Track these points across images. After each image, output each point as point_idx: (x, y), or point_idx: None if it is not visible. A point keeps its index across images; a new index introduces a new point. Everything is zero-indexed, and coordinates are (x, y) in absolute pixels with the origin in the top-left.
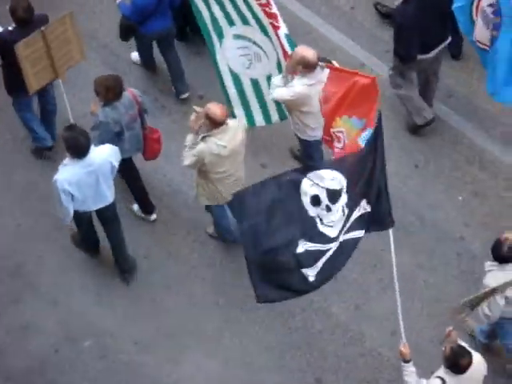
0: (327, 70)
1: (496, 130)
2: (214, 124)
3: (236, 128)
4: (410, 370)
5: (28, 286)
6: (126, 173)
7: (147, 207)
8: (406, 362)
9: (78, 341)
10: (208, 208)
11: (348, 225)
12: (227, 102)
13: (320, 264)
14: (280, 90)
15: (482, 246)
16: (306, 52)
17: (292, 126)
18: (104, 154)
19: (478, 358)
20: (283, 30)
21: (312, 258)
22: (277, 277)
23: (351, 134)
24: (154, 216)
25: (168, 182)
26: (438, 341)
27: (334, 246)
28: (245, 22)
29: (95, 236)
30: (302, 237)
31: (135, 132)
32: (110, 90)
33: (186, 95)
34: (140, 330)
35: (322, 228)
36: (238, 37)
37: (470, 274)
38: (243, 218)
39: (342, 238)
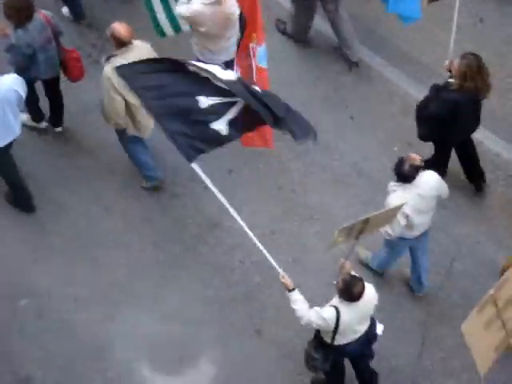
0: None
1: (431, 81)
2: (120, 44)
3: (142, 47)
4: (295, 299)
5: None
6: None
7: (58, 121)
8: (290, 291)
9: (15, 300)
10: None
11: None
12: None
13: (228, 116)
14: (181, 7)
15: None
16: None
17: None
18: (8, 83)
19: (369, 288)
20: None
21: (217, 111)
22: (195, 134)
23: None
24: (59, 129)
25: (104, 136)
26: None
27: (238, 100)
28: None
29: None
30: (199, 94)
31: (50, 54)
32: (21, 12)
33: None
34: (77, 289)
35: (216, 82)
36: None
37: None
38: (137, 86)
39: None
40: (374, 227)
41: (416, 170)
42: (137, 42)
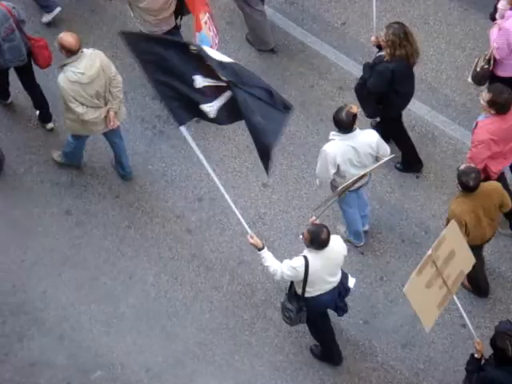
0: None
1: None
2: (69, 52)
3: (92, 55)
4: (266, 256)
5: (33, 322)
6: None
7: (46, 116)
8: (260, 250)
9: (89, 372)
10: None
11: (244, 79)
12: None
13: (218, 102)
14: None
15: (491, 250)
16: None
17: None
18: None
19: (336, 239)
20: None
21: (209, 93)
22: (186, 106)
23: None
24: (50, 125)
25: (170, 207)
26: (451, 351)
27: (232, 89)
28: None
29: None
30: (197, 73)
31: (15, 43)
32: None
33: None
34: (150, 358)
35: (214, 66)
36: None
37: None
38: (139, 53)
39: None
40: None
41: (352, 118)
42: (88, 51)
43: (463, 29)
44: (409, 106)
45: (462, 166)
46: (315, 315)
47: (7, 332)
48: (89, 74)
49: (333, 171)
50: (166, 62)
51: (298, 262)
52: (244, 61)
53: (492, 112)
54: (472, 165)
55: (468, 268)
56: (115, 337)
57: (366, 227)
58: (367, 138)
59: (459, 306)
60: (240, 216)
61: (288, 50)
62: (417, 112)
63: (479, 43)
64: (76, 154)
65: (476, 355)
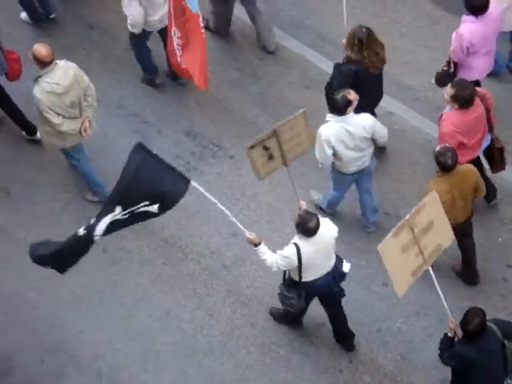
0: None
1: None
2: (42, 64)
3: (66, 66)
4: (263, 250)
5: (70, 360)
6: None
7: (28, 128)
8: (257, 245)
9: None
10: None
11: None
12: None
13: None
14: None
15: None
16: None
17: None
18: None
19: (327, 222)
20: None
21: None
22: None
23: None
24: (38, 136)
25: (205, 243)
26: None
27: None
28: None
29: None
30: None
31: None
32: None
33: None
34: None
35: None
36: None
37: None
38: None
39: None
40: (291, 149)
41: (347, 102)
42: (61, 62)
43: None
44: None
45: (438, 148)
46: (310, 299)
47: (45, 371)
48: (63, 84)
49: (330, 152)
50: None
51: (289, 251)
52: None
53: (456, 106)
54: (447, 144)
55: (446, 243)
56: (152, 374)
57: (372, 229)
58: (361, 120)
59: (435, 281)
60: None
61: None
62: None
63: None
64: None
65: (449, 334)
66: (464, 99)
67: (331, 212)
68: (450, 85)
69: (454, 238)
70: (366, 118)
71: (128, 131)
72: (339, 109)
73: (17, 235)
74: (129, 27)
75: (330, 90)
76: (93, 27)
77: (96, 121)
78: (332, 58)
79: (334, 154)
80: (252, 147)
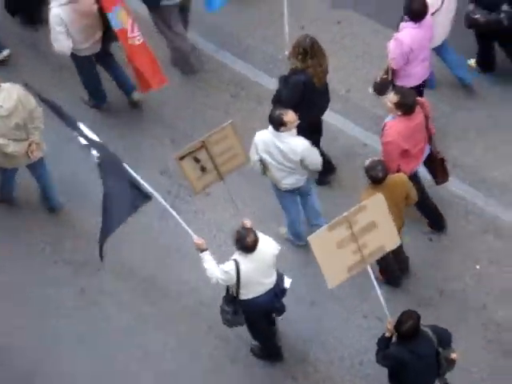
0: None
1: (506, 197)
2: None
3: (10, 88)
4: (207, 258)
5: None
6: None
7: None
8: (203, 251)
9: None
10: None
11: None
12: None
13: None
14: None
15: (505, 313)
16: None
17: None
18: None
19: (267, 240)
20: None
21: None
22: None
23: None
24: None
25: (185, 281)
26: None
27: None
28: None
29: None
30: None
31: None
32: None
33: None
34: None
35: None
36: None
37: (497, 344)
38: None
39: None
40: (225, 162)
41: (280, 122)
42: (6, 85)
43: None
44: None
45: (367, 162)
46: (254, 317)
47: None
48: (7, 106)
49: (256, 157)
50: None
51: (229, 266)
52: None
53: (399, 113)
54: (375, 158)
55: (391, 246)
56: None
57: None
58: (294, 143)
59: (373, 279)
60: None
61: None
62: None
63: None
64: (6, 187)
65: (386, 334)
66: (408, 105)
67: (299, 240)
68: (392, 92)
69: (399, 242)
70: (299, 142)
71: None
72: (273, 124)
73: None
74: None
75: (278, 103)
76: (62, 69)
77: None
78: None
79: (264, 165)
80: (181, 158)
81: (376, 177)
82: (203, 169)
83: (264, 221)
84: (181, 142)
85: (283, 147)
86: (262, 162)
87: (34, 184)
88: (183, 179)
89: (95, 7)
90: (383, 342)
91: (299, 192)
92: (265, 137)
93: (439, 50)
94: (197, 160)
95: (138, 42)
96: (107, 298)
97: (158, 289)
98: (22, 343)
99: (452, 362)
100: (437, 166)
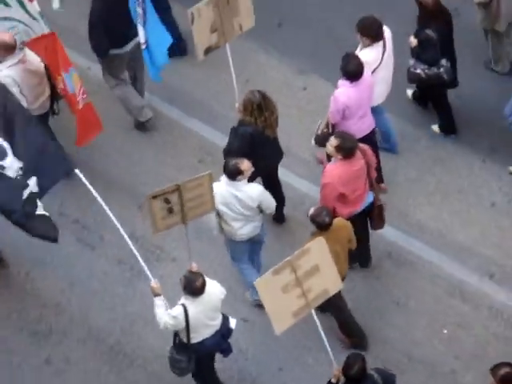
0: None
1: (472, 261)
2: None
3: None
4: (159, 304)
5: None
6: None
7: None
8: (157, 295)
9: None
10: None
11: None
12: None
13: None
14: None
15: (474, 377)
16: (3, 36)
17: None
18: None
19: (213, 284)
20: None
21: None
22: None
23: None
24: None
25: (151, 347)
26: None
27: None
28: (5, 3)
29: None
30: None
31: None
32: None
33: None
34: None
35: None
36: (4, 19)
37: None
38: None
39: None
40: (193, 208)
41: (237, 171)
42: None
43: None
44: (382, 232)
45: (311, 211)
46: (204, 360)
47: None
48: None
49: (216, 220)
50: None
51: (176, 311)
52: None
53: (339, 157)
54: (319, 205)
55: (334, 289)
56: None
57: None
58: (250, 190)
59: (318, 324)
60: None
61: None
62: (391, 239)
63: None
64: None
65: (333, 380)
66: (347, 148)
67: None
68: (333, 136)
69: (341, 285)
70: (254, 189)
71: (71, 240)
72: (229, 174)
73: None
74: None
75: (229, 153)
76: None
77: None
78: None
79: (221, 217)
80: (154, 197)
81: (323, 223)
82: (171, 210)
83: (231, 287)
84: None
85: (241, 196)
86: (218, 215)
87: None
88: (150, 244)
89: (42, 65)
90: None
91: (253, 241)
92: (221, 189)
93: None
94: (167, 201)
95: (82, 104)
96: (72, 367)
97: (125, 357)
98: None
99: None
100: (374, 212)
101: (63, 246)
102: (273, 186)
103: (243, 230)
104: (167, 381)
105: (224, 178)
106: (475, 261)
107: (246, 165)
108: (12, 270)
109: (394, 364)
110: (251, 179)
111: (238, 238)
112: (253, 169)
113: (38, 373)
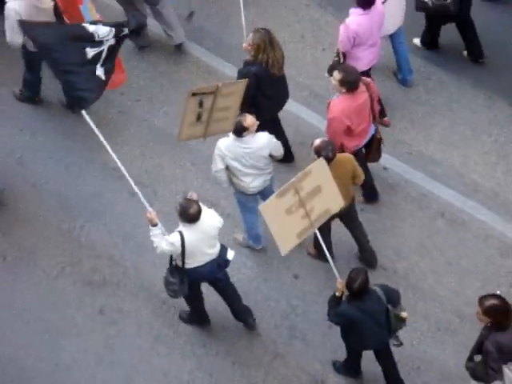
0: None
1: None
2: None
3: None
4: (156, 232)
5: None
6: None
7: None
8: (154, 225)
9: None
10: None
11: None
12: None
13: (101, 62)
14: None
15: None
16: None
17: None
18: None
19: (211, 213)
20: None
21: (97, 59)
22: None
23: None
24: None
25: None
26: None
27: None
28: None
29: None
30: (86, 46)
31: None
32: None
33: None
34: None
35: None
36: None
37: None
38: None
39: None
40: (216, 121)
41: (241, 128)
42: None
43: (488, 116)
44: (437, 192)
45: (317, 142)
46: (195, 285)
47: None
48: None
49: (222, 166)
50: (60, 47)
51: (174, 238)
52: None
53: (343, 91)
54: (325, 138)
55: (334, 209)
56: None
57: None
58: (258, 141)
59: (323, 245)
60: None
61: None
62: (446, 198)
63: (505, 129)
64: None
65: (337, 293)
66: (351, 82)
67: (258, 244)
68: (336, 70)
69: (343, 204)
70: (261, 138)
71: (124, 195)
72: (235, 132)
73: (15, 305)
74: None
75: None
76: None
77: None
78: (322, 113)
79: (231, 172)
80: (193, 94)
81: (326, 157)
82: (199, 116)
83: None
84: (198, 162)
85: (250, 150)
86: (228, 169)
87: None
88: (204, 200)
89: (52, 4)
90: (334, 301)
91: (263, 193)
92: (231, 146)
93: (392, 39)
94: (201, 104)
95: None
96: (125, 318)
97: (176, 311)
98: (39, 369)
99: (402, 320)
100: (374, 145)
101: (117, 202)
102: (278, 127)
103: (254, 183)
104: (219, 336)
105: (231, 135)
106: None
107: (249, 121)
108: (66, 224)
109: (446, 324)
110: (260, 125)
111: (249, 191)
112: (257, 123)
113: (93, 323)
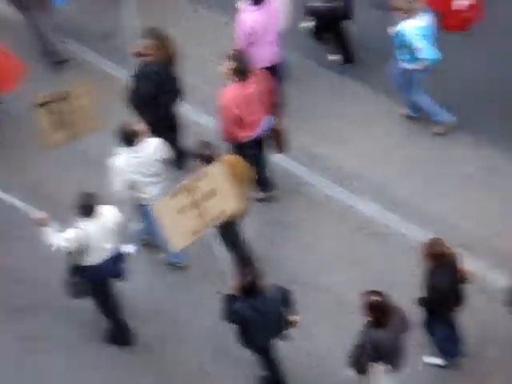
0: None
1: None
2: None
3: None
4: (47, 231)
5: None
6: None
7: None
8: (43, 226)
9: None
10: None
11: None
12: None
13: None
14: None
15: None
16: None
17: None
18: None
19: (110, 209)
20: None
21: None
22: None
23: None
24: None
25: None
26: None
27: None
28: None
29: None
30: None
31: None
32: None
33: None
34: None
35: None
36: None
37: None
38: None
39: None
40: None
41: (132, 134)
42: None
43: None
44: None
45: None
46: (98, 285)
47: None
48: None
49: (123, 183)
50: None
51: (70, 234)
52: None
53: (235, 79)
54: (204, 139)
55: (231, 209)
56: None
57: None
58: (150, 148)
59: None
60: None
61: None
62: (365, 211)
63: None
64: None
65: (230, 292)
66: (242, 71)
67: (181, 261)
68: (228, 59)
69: (238, 204)
70: (151, 144)
71: None
72: (126, 141)
73: None
74: None
75: (135, 99)
76: None
77: None
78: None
79: (132, 187)
80: (41, 105)
81: (204, 156)
82: (60, 123)
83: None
84: None
85: (145, 157)
86: (130, 185)
87: None
88: None
89: None
90: (227, 300)
91: None
92: (125, 159)
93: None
94: (53, 112)
95: None
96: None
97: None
98: None
99: (290, 323)
100: (273, 136)
101: None
102: (174, 129)
103: (154, 192)
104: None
105: (122, 150)
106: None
107: (141, 126)
108: None
109: None
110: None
111: (151, 201)
112: (148, 130)
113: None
